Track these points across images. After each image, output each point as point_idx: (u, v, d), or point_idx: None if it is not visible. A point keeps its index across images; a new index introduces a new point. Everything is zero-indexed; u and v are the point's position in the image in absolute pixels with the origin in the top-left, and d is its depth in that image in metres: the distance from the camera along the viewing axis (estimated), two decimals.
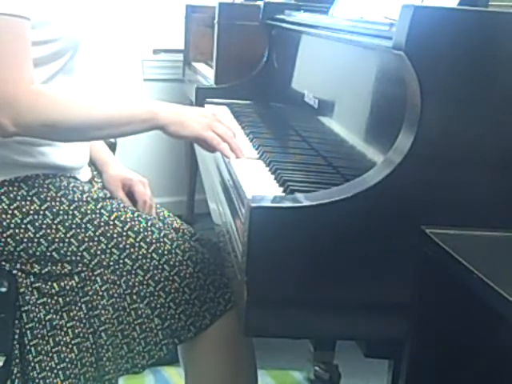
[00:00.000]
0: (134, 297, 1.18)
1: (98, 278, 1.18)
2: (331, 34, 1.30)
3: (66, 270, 1.18)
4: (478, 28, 0.88)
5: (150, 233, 1.22)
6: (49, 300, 1.18)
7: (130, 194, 1.40)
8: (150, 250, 1.20)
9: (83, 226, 1.20)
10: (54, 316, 1.18)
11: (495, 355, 0.88)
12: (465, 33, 0.87)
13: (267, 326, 0.92)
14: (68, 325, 1.18)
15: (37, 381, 1.17)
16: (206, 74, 2.46)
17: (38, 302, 1.17)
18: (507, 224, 0.88)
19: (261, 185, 1.11)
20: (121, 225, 1.22)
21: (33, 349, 1.17)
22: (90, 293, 1.18)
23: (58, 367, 1.18)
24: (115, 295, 1.18)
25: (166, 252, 1.20)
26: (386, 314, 0.92)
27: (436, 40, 0.87)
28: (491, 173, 0.89)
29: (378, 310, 0.92)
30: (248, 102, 1.83)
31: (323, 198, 0.88)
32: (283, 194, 1.05)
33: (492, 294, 0.70)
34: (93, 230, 1.20)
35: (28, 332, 1.17)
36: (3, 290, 1.17)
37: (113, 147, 2.57)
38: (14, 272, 1.18)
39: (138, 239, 1.21)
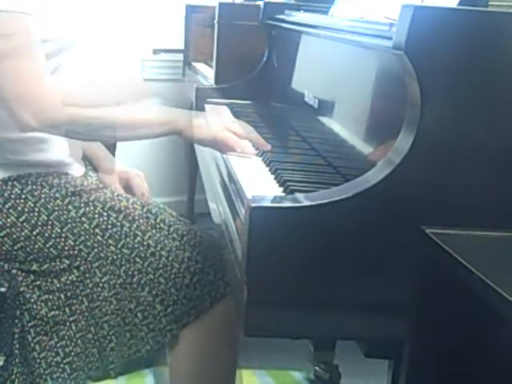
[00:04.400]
0: (135, 285, 1.18)
1: (97, 271, 1.18)
2: (331, 34, 1.30)
3: (64, 265, 1.18)
4: (477, 28, 0.88)
5: (145, 220, 1.22)
6: (50, 296, 1.18)
7: (127, 188, 1.41)
8: (145, 238, 1.20)
9: (78, 219, 1.20)
10: (57, 312, 1.18)
11: (495, 355, 0.88)
12: (465, 33, 0.87)
13: (267, 326, 0.92)
14: (71, 319, 1.18)
15: (44, 377, 1.18)
16: (206, 74, 2.46)
17: (40, 299, 1.18)
18: (507, 224, 0.88)
19: (261, 185, 1.11)
20: (115, 215, 1.22)
21: (37, 346, 1.17)
22: (91, 285, 1.18)
23: (64, 361, 1.19)
24: (116, 286, 1.18)
25: (162, 238, 1.20)
26: (386, 314, 0.92)
27: (436, 40, 0.87)
28: (491, 173, 0.89)
29: (377, 310, 0.92)
30: (248, 101, 1.83)
31: (323, 198, 0.87)
32: (283, 194, 1.05)
33: (492, 293, 0.70)
34: (88, 222, 1.20)
35: (31, 330, 1.17)
36: (2, 289, 1.17)
37: (113, 147, 2.57)
38: (14, 271, 1.18)
39: (132, 228, 1.21)
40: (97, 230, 1.20)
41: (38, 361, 1.18)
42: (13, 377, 1.17)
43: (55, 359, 1.18)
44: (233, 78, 1.94)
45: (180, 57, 3.06)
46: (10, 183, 1.21)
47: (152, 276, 1.18)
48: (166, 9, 3.19)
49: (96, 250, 1.19)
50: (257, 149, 1.34)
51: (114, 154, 2.60)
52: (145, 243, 1.19)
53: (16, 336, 1.17)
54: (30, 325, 1.17)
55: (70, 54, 1.29)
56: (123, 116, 1.20)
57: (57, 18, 1.22)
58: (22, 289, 1.18)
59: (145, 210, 1.25)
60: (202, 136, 1.22)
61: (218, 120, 1.25)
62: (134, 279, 1.18)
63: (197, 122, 1.21)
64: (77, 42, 1.29)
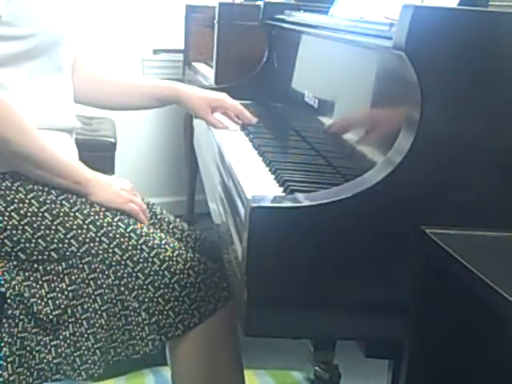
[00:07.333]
0: (122, 288, 1.18)
1: (85, 266, 1.18)
2: (331, 34, 1.30)
3: (51, 258, 1.19)
4: (477, 28, 0.88)
5: (139, 226, 1.23)
6: (52, 295, 1.18)
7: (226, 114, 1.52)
8: (140, 242, 1.20)
9: (71, 214, 1.21)
10: (58, 312, 1.18)
11: (495, 355, 0.88)
12: (465, 33, 0.87)
13: (267, 326, 0.92)
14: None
15: (44, 377, 1.18)
16: (206, 74, 2.46)
17: (41, 299, 1.17)
18: (507, 224, 0.88)
19: (261, 185, 1.11)
20: (111, 215, 1.23)
21: (37, 346, 1.18)
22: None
23: (65, 362, 1.19)
24: (103, 285, 1.18)
25: (155, 246, 1.20)
26: (386, 314, 0.92)
27: (436, 40, 0.87)
28: (491, 173, 0.89)
29: (378, 310, 0.92)
30: (248, 101, 1.83)
31: (323, 198, 0.87)
32: (283, 194, 1.05)
33: (492, 293, 0.70)
34: (82, 218, 1.20)
35: (32, 330, 1.17)
36: (2, 289, 1.17)
37: (113, 147, 2.58)
38: (14, 271, 1.18)
39: (128, 230, 1.21)
40: (91, 226, 1.20)
41: (38, 361, 1.18)
42: (13, 377, 1.17)
43: (56, 360, 1.18)
44: (233, 77, 1.94)
45: (180, 57, 3.06)
46: (15, 184, 1.21)
47: (141, 282, 1.17)
48: (166, 9, 3.19)
49: (87, 245, 1.19)
50: (257, 149, 1.35)
51: (113, 154, 2.61)
52: (138, 247, 1.19)
53: (16, 336, 1.17)
54: (30, 325, 1.17)
55: (57, 50, 1.28)
56: (44, 156, 1.22)
57: (41, 11, 1.22)
58: (22, 289, 1.17)
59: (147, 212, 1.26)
60: (106, 205, 1.25)
61: (124, 191, 1.29)
62: (123, 282, 1.18)
63: (106, 192, 1.26)
64: (64, 40, 1.29)
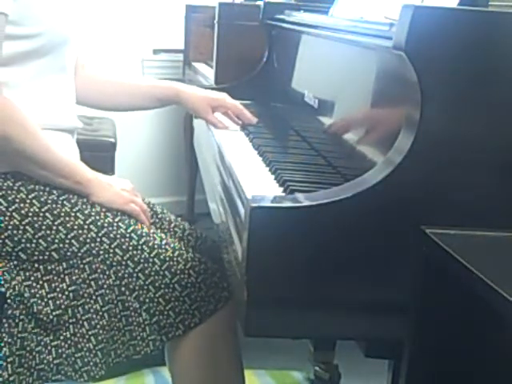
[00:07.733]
0: (123, 289, 1.18)
1: (86, 267, 1.18)
2: (331, 34, 1.30)
3: (52, 258, 1.18)
4: (477, 28, 0.88)
5: (140, 226, 1.23)
6: (52, 295, 1.17)
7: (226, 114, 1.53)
8: (140, 242, 1.20)
9: (72, 214, 1.20)
10: (58, 312, 1.18)
11: (495, 355, 0.88)
12: (465, 33, 0.87)
13: (267, 326, 0.92)
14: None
15: (44, 378, 1.18)
16: (206, 74, 2.47)
17: (41, 299, 1.17)
18: (507, 224, 0.88)
19: (261, 185, 1.11)
20: (111, 216, 1.23)
21: (37, 347, 1.17)
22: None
23: (65, 363, 1.18)
24: (104, 286, 1.18)
25: (155, 246, 1.20)
26: (386, 314, 0.92)
27: (436, 40, 0.87)
28: (491, 173, 0.89)
29: (378, 310, 0.92)
30: (248, 101, 1.83)
31: (323, 198, 0.87)
32: (283, 194, 1.05)
33: (492, 294, 0.70)
34: (83, 218, 1.20)
35: (32, 330, 1.17)
36: (2, 289, 1.17)
37: (113, 147, 2.58)
38: (14, 271, 1.18)
39: (128, 230, 1.21)
40: (92, 227, 1.20)
41: (39, 361, 1.18)
42: (13, 377, 1.17)
43: (56, 361, 1.18)
44: (233, 77, 1.94)
45: (180, 57, 3.06)
46: (17, 184, 1.21)
47: (142, 282, 1.17)
48: (166, 9, 3.19)
49: (88, 245, 1.19)
50: (257, 149, 1.35)
51: (113, 154, 2.61)
52: (139, 247, 1.19)
53: (16, 336, 1.17)
54: (30, 325, 1.17)
55: (63, 50, 1.28)
56: (48, 156, 1.21)
57: (47, 11, 1.22)
58: (22, 289, 1.17)
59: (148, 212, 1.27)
60: (107, 206, 1.25)
61: (125, 192, 1.29)
62: (123, 282, 1.17)
63: (107, 192, 1.26)
64: (70, 39, 1.29)
